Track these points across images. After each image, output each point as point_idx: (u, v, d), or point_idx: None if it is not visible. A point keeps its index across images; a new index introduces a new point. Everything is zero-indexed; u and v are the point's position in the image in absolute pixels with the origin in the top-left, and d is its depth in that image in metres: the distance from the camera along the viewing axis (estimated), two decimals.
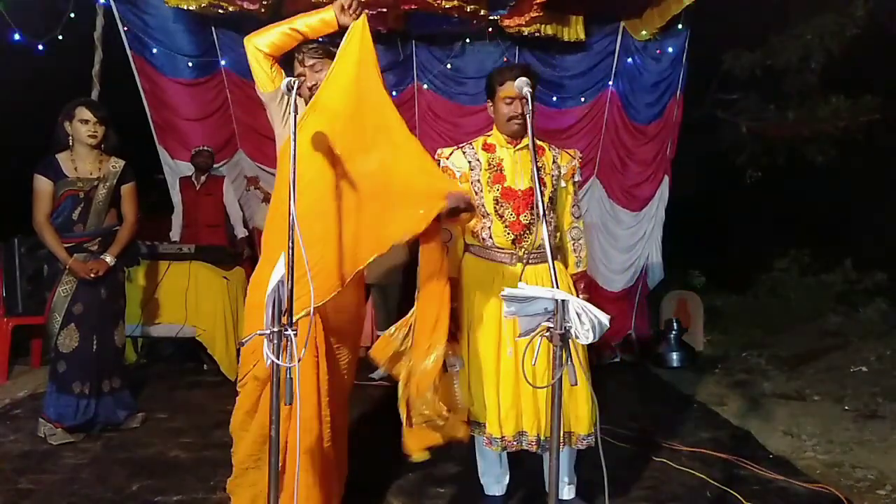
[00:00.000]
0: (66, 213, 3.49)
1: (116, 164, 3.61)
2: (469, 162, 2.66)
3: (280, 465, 2.32)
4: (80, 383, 3.53)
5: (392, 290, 5.07)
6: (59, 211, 3.49)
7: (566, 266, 2.75)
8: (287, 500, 2.18)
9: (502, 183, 2.61)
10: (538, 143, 2.67)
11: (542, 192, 2.54)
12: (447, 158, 2.70)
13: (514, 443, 2.55)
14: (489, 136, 2.70)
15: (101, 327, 3.60)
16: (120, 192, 3.64)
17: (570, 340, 1.70)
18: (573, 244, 2.77)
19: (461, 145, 2.73)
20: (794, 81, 7.43)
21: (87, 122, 3.47)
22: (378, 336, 5.27)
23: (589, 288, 2.83)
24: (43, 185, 3.45)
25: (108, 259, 3.57)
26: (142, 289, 4.85)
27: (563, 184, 2.70)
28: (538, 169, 2.58)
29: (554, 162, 2.67)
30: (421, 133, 5.96)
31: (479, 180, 2.64)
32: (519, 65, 2.80)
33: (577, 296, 2.58)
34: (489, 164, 2.63)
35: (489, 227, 2.62)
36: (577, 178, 2.76)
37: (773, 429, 4.11)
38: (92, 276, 3.49)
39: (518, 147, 2.62)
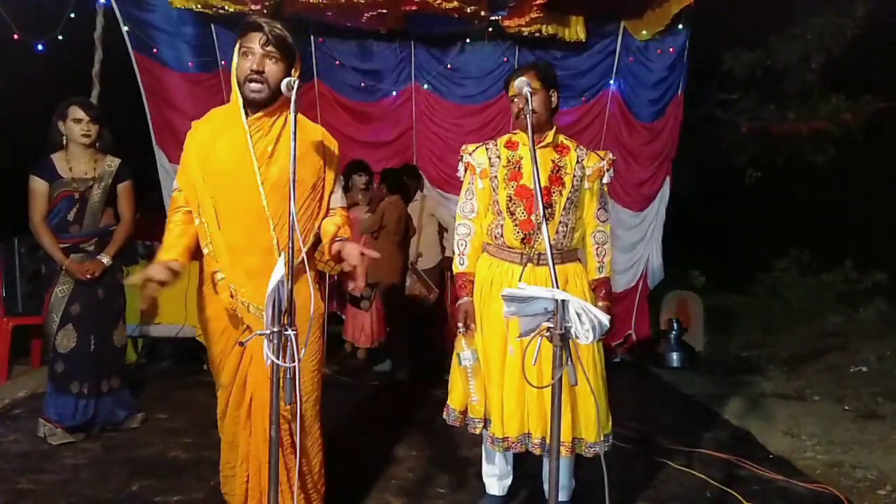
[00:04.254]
0: (62, 213, 3.49)
1: (112, 163, 3.60)
2: (489, 158, 2.66)
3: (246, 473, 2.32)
4: (79, 383, 3.52)
5: (386, 288, 5.11)
6: (54, 212, 3.48)
7: (587, 270, 2.70)
8: None
9: (518, 180, 2.59)
10: (564, 142, 2.67)
11: (560, 192, 2.56)
12: (470, 154, 2.70)
13: (518, 444, 2.54)
14: (515, 133, 2.70)
15: (99, 327, 3.60)
16: (116, 191, 3.63)
17: (570, 342, 1.70)
18: (596, 248, 2.68)
19: (486, 142, 2.74)
20: (794, 81, 7.43)
21: (80, 121, 3.46)
22: (384, 335, 5.37)
23: (610, 295, 2.73)
24: (38, 185, 3.44)
25: (105, 259, 3.56)
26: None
27: (587, 185, 2.64)
28: (559, 168, 2.60)
29: (578, 162, 2.63)
30: (419, 133, 5.97)
31: (496, 177, 2.64)
32: (532, 63, 2.77)
33: (597, 303, 2.59)
34: (508, 161, 2.63)
35: (501, 226, 2.62)
36: (605, 181, 2.69)
37: (773, 429, 4.10)
38: (88, 276, 3.49)
39: (539, 145, 2.60)
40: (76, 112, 3.46)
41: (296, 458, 2.26)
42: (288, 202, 2.26)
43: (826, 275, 8.56)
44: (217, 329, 2.31)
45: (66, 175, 3.47)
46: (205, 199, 2.24)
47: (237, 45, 2.21)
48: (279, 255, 2.05)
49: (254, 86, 2.13)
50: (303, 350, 2.29)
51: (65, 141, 3.49)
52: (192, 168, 2.28)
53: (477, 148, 2.71)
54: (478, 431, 2.63)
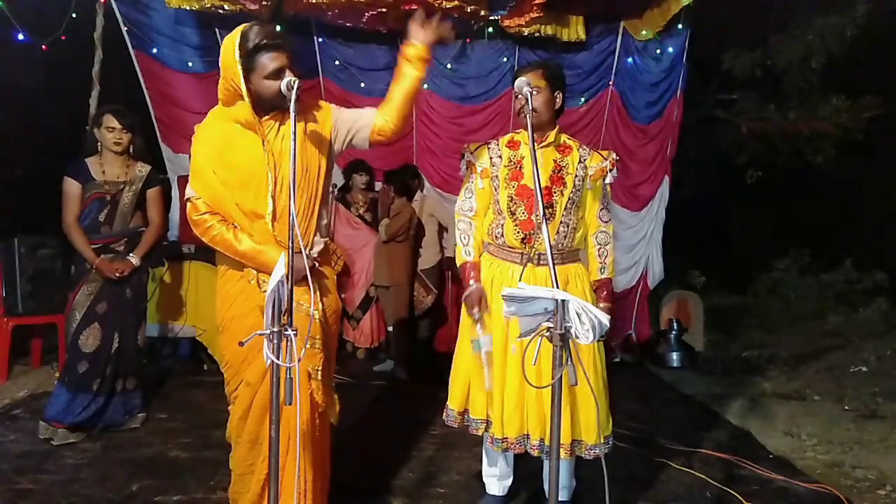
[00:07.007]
0: (92, 214, 3.58)
1: (143, 169, 3.72)
2: (491, 158, 2.65)
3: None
4: (99, 381, 3.56)
5: (397, 290, 5.10)
6: (86, 213, 3.57)
7: (588, 271, 2.68)
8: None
9: (519, 180, 2.58)
10: (567, 142, 2.66)
11: (561, 193, 2.56)
12: (471, 153, 2.70)
13: (517, 445, 2.54)
14: (517, 133, 2.69)
15: (123, 327, 3.66)
16: (146, 195, 3.73)
17: (570, 342, 1.70)
18: (598, 249, 2.66)
19: (488, 141, 2.73)
20: (794, 81, 7.43)
21: (112, 129, 3.57)
22: (384, 335, 5.36)
23: (612, 296, 2.71)
24: (72, 187, 3.54)
25: (135, 259, 3.65)
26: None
27: (589, 185, 2.63)
28: (560, 168, 2.59)
29: (580, 162, 2.62)
30: (419, 133, 5.96)
31: (497, 176, 2.63)
32: (543, 61, 2.75)
33: (598, 303, 2.57)
34: (509, 161, 2.62)
35: (502, 226, 2.61)
36: (608, 181, 2.67)
37: (773, 429, 4.11)
38: (117, 275, 3.56)
39: (541, 145, 2.59)
40: (110, 121, 3.57)
41: (312, 457, 2.30)
42: (307, 198, 2.30)
43: (826, 275, 8.57)
44: (242, 328, 2.27)
45: (100, 178, 3.58)
46: (229, 204, 2.26)
47: (259, 59, 2.18)
48: (303, 250, 2.03)
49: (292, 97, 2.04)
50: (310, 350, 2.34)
51: (99, 147, 3.61)
52: (207, 174, 2.28)
53: (479, 147, 2.70)
54: (480, 433, 2.62)
